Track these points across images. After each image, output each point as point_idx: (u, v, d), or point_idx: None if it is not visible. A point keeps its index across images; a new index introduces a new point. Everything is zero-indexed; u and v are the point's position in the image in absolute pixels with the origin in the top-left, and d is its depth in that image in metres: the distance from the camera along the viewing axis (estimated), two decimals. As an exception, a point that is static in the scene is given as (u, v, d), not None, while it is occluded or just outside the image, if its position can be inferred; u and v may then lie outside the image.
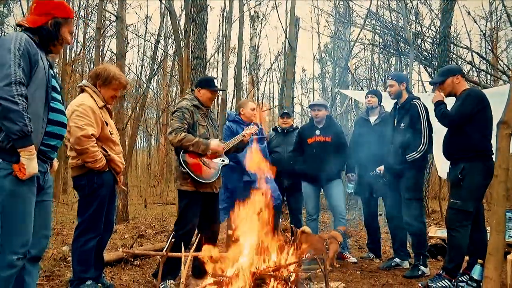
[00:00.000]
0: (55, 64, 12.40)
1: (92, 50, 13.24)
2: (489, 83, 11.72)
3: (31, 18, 2.24)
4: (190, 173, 3.31)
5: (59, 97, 2.32)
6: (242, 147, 3.80)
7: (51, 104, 2.23)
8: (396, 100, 4.23)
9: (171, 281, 3.32)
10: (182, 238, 3.16)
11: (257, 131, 3.96)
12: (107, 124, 3.10)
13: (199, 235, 3.20)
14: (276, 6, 9.39)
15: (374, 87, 13.04)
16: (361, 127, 4.77)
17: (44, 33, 2.22)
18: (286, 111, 5.45)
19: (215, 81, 3.74)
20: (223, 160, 3.53)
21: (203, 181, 3.35)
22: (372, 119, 4.67)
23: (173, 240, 2.72)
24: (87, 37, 14.10)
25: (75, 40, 14.44)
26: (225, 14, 13.52)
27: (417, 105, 3.98)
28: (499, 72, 10.94)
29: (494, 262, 2.75)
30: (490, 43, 12.06)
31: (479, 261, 3.04)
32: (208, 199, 3.49)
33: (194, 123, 3.42)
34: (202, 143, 3.35)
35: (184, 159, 3.32)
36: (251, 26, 13.84)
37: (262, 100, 18.02)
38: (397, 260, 4.22)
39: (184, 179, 3.37)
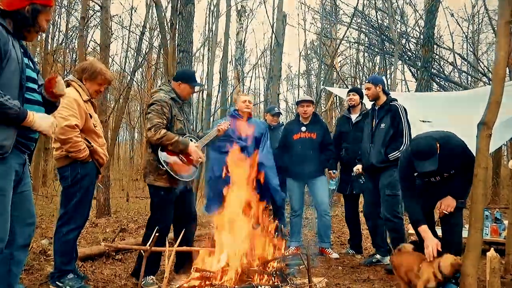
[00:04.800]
0: (36, 54, 12.07)
1: (75, 40, 12.96)
2: (470, 84, 12.00)
3: (7, 0, 2.10)
4: (170, 171, 3.24)
5: (35, 87, 2.24)
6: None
7: (26, 95, 2.14)
8: (373, 102, 4.30)
9: (151, 276, 3.29)
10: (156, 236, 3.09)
11: (228, 127, 3.90)
12: (91, 116, 3.13)
13: (183, 230, 3.16)
14: (264, 1, 9.38)
15: (359, 85, 13.19)
16: (343, 125, 4.86)
17: (19, 18, 2.10)
18: (279, 111, 5.44)
19: (196, 75, 3.67)
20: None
21: (182, 179, 3.31)
22: (354, 116, 4.76)
23: (157, 234, 2.70)
24: (69, 26, 13.79)
25: (57, 30, 14.11)
26: (212, 8, 13.39)
27: (398, 106, 4.08)
28: (479, 74, 11.21)
29: (472, 258, 2.82)
30: (471, 45, 12.33)
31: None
32: (182, 195, 3.43)
33: (172, 117, 3.34)
34: (181, 143, 3.27)
35: (162, 156, 3.24)
36: (238, 20, 13.76)
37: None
38: (378, 256, 4.28)
39: (159, 174, 3.29)
